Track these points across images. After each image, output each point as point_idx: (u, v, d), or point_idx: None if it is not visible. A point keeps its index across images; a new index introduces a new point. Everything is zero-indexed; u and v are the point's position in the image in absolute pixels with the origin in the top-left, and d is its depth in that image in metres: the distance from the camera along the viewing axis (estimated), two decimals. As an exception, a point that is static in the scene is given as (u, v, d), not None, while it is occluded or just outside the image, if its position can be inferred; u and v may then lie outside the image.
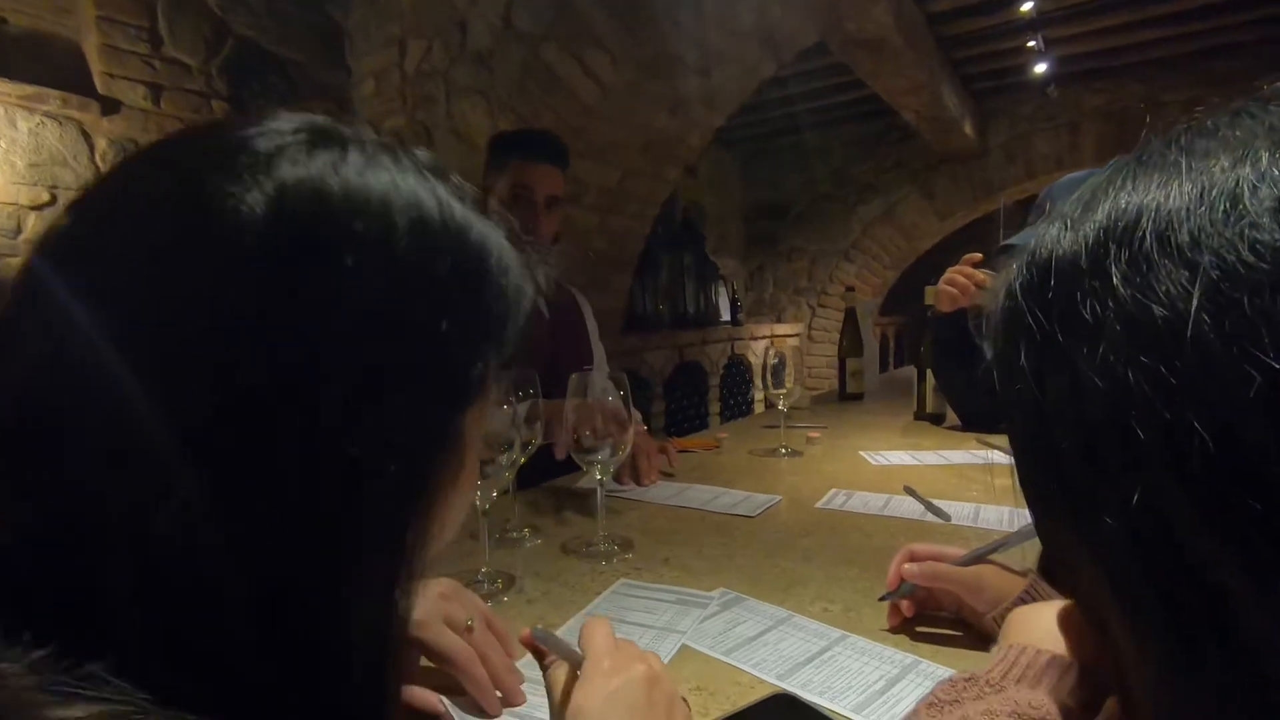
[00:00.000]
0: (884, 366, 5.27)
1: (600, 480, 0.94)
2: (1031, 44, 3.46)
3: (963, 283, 1.54)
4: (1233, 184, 0.24)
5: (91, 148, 2.30)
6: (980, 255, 1.56)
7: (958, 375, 1.63)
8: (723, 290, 4.91)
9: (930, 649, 0.63)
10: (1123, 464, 0.24)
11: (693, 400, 4.29)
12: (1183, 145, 0.27)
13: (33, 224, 2.18)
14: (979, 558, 0.64)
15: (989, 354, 0.32)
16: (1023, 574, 0.61)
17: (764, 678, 0.59)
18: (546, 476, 1.28)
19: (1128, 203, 0.26)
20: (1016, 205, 5.94)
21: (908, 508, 1.07)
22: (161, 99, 2.43)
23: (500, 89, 2.41)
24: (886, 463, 1.39)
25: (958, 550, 0.66)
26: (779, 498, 1.15)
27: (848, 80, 3.87)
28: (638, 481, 1.24)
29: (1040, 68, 3.77)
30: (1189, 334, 0.22)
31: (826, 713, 0.54)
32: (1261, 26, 3.68)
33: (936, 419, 1.84)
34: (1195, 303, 0.22)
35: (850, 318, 2.30)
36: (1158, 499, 0.23)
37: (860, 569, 0.82)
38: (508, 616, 0.72)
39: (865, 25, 2.67)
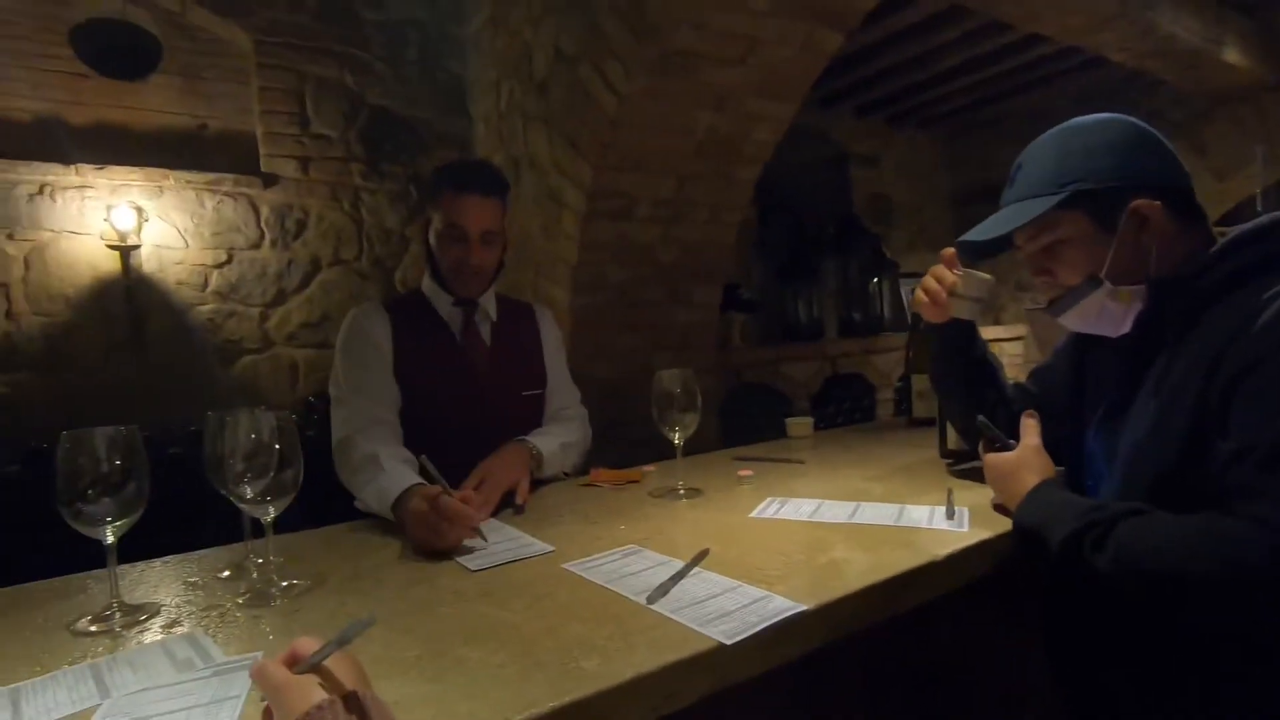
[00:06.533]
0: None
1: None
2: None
3: (934, 288, 1.17)
4: None
5: (257, 215, 2.89)
6: (953, 250, 1.17)
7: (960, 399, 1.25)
8: (905, 292, 4.31)
9: None
10: None
11: (854, 419, 3.83)
12: None
13: (214, 280, 2.81)
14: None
15: None
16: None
17: None
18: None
19: None
20: None
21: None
22: (310, 168, 2.96)
23: (557, 114, 2.46)
24: (773, 516, 1.11)
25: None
26: (551, 548, 0.99)
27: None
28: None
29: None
30: None
31: None
32: None
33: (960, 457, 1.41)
34: None
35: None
36: None
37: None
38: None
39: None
